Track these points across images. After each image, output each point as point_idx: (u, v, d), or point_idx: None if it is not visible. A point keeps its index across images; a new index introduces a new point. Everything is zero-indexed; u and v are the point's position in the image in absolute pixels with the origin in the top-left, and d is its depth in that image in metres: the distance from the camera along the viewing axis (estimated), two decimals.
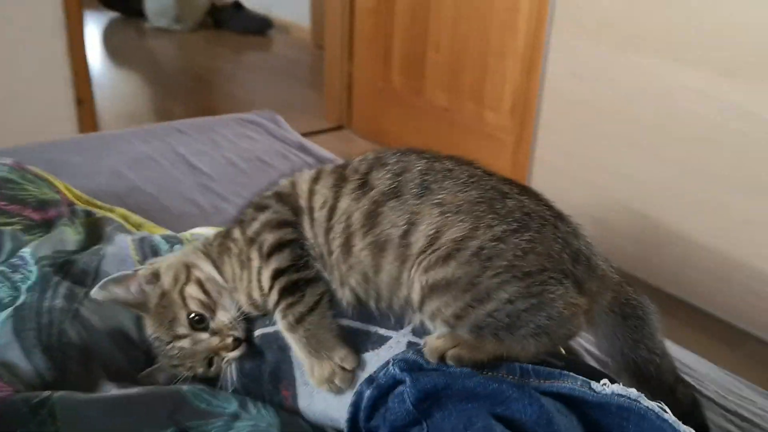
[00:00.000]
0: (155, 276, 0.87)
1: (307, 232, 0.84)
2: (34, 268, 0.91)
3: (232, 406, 0.77)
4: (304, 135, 1.83)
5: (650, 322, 0.81)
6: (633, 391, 0.71)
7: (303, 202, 0.85)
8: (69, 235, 1.03)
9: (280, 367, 0.84)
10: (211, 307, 0.85)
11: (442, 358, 0.75)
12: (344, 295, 0.82)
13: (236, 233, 0.88)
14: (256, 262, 0.84)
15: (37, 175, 1.15)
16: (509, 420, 0.68)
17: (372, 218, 0.78)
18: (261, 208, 0.87)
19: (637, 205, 2.26)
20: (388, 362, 0.77)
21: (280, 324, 0.82)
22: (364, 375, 0.79)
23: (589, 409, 0.72)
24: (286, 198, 0.87)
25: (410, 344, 0.80)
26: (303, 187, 0.87)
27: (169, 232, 1.14)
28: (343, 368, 0.79)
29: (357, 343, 0.82)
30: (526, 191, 0.81)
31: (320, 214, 0.83)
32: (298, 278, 0.81)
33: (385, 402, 0.75)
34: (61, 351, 0.83)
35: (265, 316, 0.87)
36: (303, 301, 0.80)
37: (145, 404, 0.74)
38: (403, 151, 0.84)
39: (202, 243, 0.92)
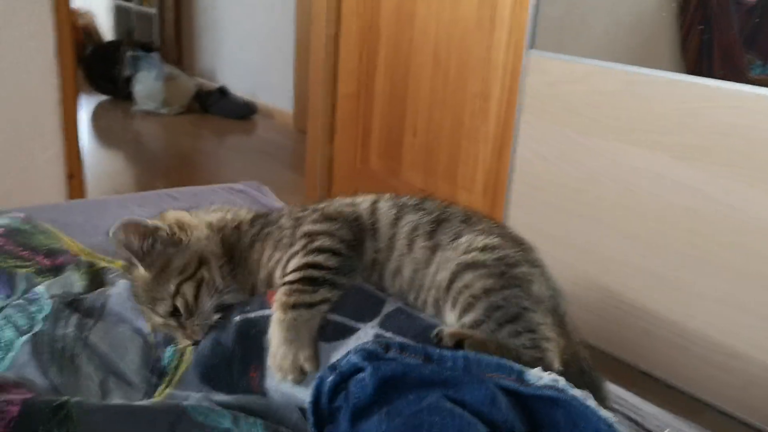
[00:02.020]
0: (173, 242, 0.94)
1: (368, 241, 0.97)
2: (48, 302, 1.00)
3: (226, 421, 0.84)
4: None
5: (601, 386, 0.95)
6: (561, 381, 0.81)
7: (365, 216, 1.00)
8: (76, 280, 1.12)
9: (252, 350, 0.91)
10: (193, 311, 0.92)
11: (458, 343, 0.86)
12: (392, 285, 0.96)
13: (285, 222, 0.98)
14: (295, 248, 0.93)
15: (45, 228, 1.26)
16: (459, 401, 0.77)
17: (432, 228, 0.97)
18: (329, 217, 0.97)
19: (601, 279, 2.38)
20: (349, 352, 0.84)
21: (276, 298, 0.90)
22: (332, 361, 0.86)
23: (523, 395, 0.81)
24: (351, 221, 0.99)
25: (377, 336, 0.89)
26: (364, 206, 1.02)
27: None
28: (302, 369, 0.87)
29: (328, 332, 0.90)
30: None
31: (385, 222, 0.99)
32: (325, 278, 0.90)
33: (345, 387, 0.82)
34: (74, 372, 0.92)
35: (246, 303, 0.95)
36: (312, 295, 0.89)
37: (150, 414, 0.81)
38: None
39: (233, 222, 1.00)
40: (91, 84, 5.34)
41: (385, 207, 1.01)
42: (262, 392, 0.92)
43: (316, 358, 0.88)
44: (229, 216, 1.02)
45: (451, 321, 0.92)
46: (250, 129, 5.12)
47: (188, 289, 0.92)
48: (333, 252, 0.92)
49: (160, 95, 5.09)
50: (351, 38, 3.37)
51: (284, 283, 0.91)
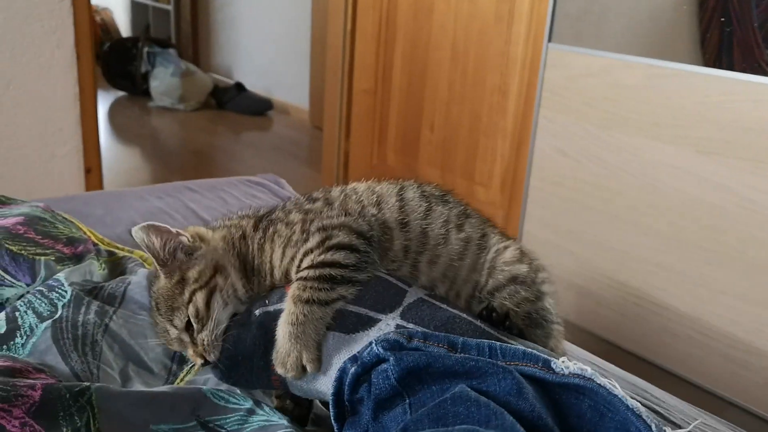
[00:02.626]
0: (192, 250, 0.93)
1: (396, 235, 0.97)
2: (68, 289, 1.00)
3: (248, 403, 0.84)
4: None
5: None
6: (588, 370, 0.80)
7: (391, 213, 0.99)
8: (96, 269, 1.12)
9: (273, 344, 0.88)
10: (204, 321, 0.90)
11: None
12: (426, 276, 0.98)
13: (295, 217, 0.96)
14: (310, 245, 0.90)
15: (65, 217, 1.26)
16: (484, 392, 0.76)
17: (461, 222, 1.02)
18: (347, 211, 0.96)
19: (620, 275, 2.36)
20: (371, 343, 0.83)
21: (290, 292, 0.88)
22: (352, 353, 0.85)
23: (549, 384, 0.80)
24: (368, 216, 0.97)
25: (398, 327, 0.87)
26: (391, 201, 1.01)
27: None
28: (303, 368, 0.86)
29: (349, 323, 0.88)
30: None
31: (414, 216, 0.99)
32: (343, 276, 0.88)
33: (367, 378, 0.81)
34: (95, 358, 0.92)
35: (265, 296, 0.94)
36: (328, 293, 0.87)
37: (171, 399, 0.81)
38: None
39: (238, 233, 0.98)
40: (108, 80, 5.37)
41: (414, 198, 1.00)
42: (284, 387, 0.91)
43: (318, 360, 0.87)
44: (233, 230, 0.99)
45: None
46: (266, 125, 5.13)
47: (200, 297, 0.90)
48: (351, 249, 0.90)
49: (177, 91, 5.10)
50: (368, 33, 3.36)
51: (299, 278, 0.89)
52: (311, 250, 0.90)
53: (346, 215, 0.94)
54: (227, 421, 0.81)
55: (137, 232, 0.89)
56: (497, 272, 1.00)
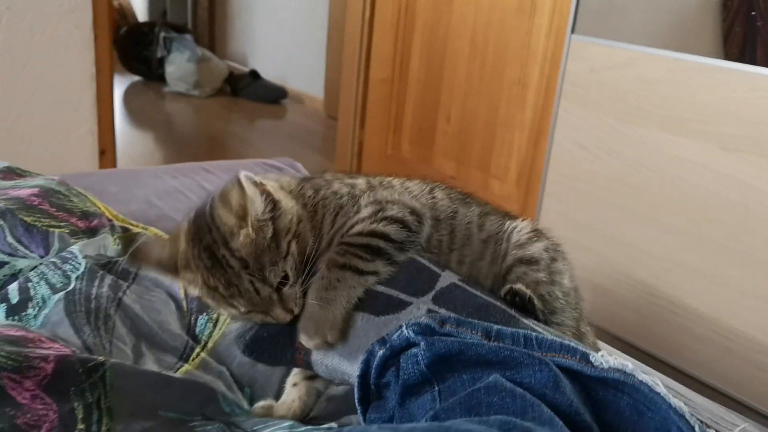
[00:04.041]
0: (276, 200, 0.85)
1: (433, 227, 0.96)
2: (82, 261, 0.98)
3: (248, 415, 0.83)
4: None
5: None
6: (629, 365, 0.76)
7: (427, 209, 0.97)
8: (110, 244, 1.10)
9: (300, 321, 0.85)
10: (298, 272, 0.85)
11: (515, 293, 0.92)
12: (458, 272, 0.95)
13: (339, 188, 0.93)
14: (363, 214, 0.88)
15: (79, 192, 1.24)
16: (518, 383, 0.72)
17: (482, 222, 1.01)
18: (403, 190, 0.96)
19: (638, 273, 2.32)
20: (401, 326, 0.79)
21: (328, 256, 0.85)
22: (381, 336, 0.81)
23: (586, 379, 0.76)
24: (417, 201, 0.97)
25: (429, 311, 0.83)
26: (426, 197, 1.00)
27: None
28: (326, 337, 0.82)
29: (379, 305, 0.84)
30: None
31: (445, 216, 0.98)
32: (387, 250, 0.86)
33: (395, 362, 0.78)
34: (107, 332, 0.89)
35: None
36: (365, 263, 0.84)
37: (183, 389, 0.79)
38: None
39: (300, 195, 0.93)
40: (124, 64, 5.36)
41: (444, 199, 1.00)
42: (307, 366, 0.88)
43: (342, 331, 0.83)
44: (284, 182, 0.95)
45: None
46: (281, 113, 5.11)
47: (294, 247, 0.84)
48: (404, 224, 0.88)
49: (192, 77, 5.09)
50: (386, 22, 3.32)
51: (342, 243, 0.86)
52: (363, 219, 0.88)
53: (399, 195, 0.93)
54: (232, 420, 0.80)
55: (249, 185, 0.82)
56: (508, 256, 0.98)
